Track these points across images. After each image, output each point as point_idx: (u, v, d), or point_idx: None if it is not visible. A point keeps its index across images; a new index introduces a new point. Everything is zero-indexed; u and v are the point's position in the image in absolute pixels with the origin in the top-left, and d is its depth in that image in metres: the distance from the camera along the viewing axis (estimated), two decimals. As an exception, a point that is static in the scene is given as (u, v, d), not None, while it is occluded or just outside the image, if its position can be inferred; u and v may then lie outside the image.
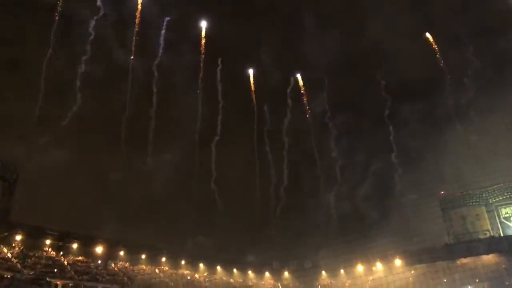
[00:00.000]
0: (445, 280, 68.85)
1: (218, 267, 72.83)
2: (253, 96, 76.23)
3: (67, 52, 64.58)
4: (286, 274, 75.77)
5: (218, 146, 76.08)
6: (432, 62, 73.13)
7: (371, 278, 72.18)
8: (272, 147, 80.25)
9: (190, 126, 73.93)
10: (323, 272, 74.92)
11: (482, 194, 70.57)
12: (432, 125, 74.43)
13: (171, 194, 71.43)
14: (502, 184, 69.27)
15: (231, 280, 72.89)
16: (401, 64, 70.28)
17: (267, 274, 75.48)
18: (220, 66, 74.65)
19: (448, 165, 70.31)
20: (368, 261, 73.11)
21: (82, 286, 50.99)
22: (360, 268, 73.47)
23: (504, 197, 70.05)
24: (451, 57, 70.74)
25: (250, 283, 73.77)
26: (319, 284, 74.10)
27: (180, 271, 69.41)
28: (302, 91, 78.62)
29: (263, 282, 74.35)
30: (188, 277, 69.46)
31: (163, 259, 67.95)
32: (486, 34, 70.05)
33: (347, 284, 72.34)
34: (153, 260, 66.51)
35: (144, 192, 68.07)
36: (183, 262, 70.03)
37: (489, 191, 70.27)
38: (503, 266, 65.76)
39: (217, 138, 75.39)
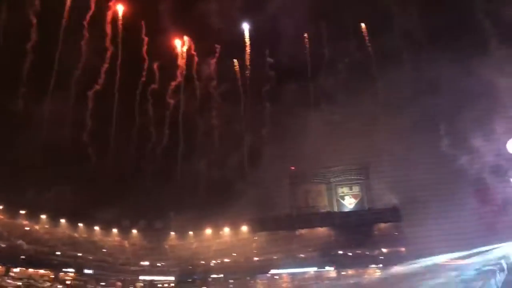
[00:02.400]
0: (283, 248, 76.50)
1: (62, 220, 74.86)
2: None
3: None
4: (134, 232, 79.67)
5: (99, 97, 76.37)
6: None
7: (217, 241, 79.50)
8: (156, 108, 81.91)
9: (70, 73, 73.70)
10: (172, 233, 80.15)
11: (325, 174, 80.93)
12: (302, 106, 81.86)
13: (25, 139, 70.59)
14: (342, 167, 79.38)
15: (75, 235, 75.92)
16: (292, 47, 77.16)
17: (114, 231, 78.75)
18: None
19: (304, 144, 79.17)
20: (217, 226, 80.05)
21: None
22: (208, 231, 79.84)
23: (342, 178, 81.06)
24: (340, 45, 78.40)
25: (95, 238, 77.30)
26: (166, 245, 79.60)
27: (19, 221, 70.46)
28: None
29: (109, 239, 78.50)
30: (27, 228, 71.31)
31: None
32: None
33: (193, 246, 79.05)
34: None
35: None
36: (21, 212, 70.47)
37: (331, 171, 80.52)
38: (333, 238, 77.48)
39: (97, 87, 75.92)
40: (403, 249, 72.01)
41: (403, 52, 76.21)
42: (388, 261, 71.84)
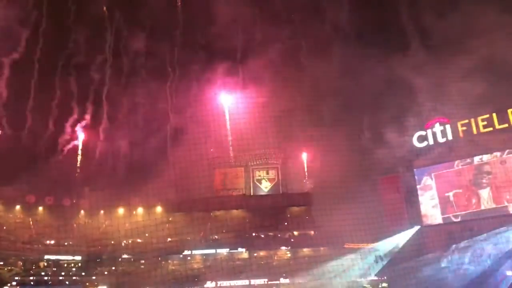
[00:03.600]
0: (198, 229, 77.57)
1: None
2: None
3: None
4: (40, 209, 76.81)
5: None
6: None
7: (130, 221, 78.71)
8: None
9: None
10: (82, 212, 78.26)
11: (243, 157, 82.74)
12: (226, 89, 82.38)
13: None
14: (261, 151, 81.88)
15: (-29, 211, 71.59)
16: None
17: (17, 208, 75.39)
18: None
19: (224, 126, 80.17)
20: (131, 206, 79.23)
21: None
22: (121, 211, 78.83)
23: (260, 162, 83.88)
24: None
25: (-6, 216, 73.45)
26: (75, 223, 77.57)
27: None
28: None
29: (11, 216, 75.12)
30: None
31: None
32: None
33: (104, 225, 77.70)
34: None
35: None
36: None
37: (251, 155, 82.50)
38: (247, 220, 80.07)
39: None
40: (312, 232, 75.68)
41: (330, 44, 78.38)
42: (298, 244, 74.38)
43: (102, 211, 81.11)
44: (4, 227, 75.47)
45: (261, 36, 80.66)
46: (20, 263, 71.41)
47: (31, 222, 78.31)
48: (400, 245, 68.29)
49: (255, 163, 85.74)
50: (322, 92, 76.77)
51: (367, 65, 71.96)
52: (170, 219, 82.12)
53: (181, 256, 76.26)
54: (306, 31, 79.91)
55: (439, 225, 70.14)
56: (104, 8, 76.80)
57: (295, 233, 78.33)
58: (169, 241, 77.86)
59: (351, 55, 75.38)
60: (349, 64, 75.69)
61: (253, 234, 78.31)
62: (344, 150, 74.02)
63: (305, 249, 76.18)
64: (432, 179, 72.23)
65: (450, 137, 71.06)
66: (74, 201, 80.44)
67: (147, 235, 78.18)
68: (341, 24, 77.37)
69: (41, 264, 73.30)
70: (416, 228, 69.33)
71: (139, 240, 78.27)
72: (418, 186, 73.08)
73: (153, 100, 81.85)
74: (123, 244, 77.15)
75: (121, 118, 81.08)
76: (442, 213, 70.12)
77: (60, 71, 77.75)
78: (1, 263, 69.35)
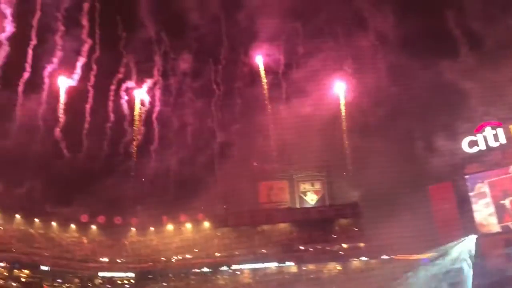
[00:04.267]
0: (245, 243, 78.86)
1: (17, 216, 74.64)
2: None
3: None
4: (93, 228, 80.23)
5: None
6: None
7: (178, 237, 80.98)
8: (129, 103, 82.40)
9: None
10: (133, 229, 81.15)
11: (288, 170, 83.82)
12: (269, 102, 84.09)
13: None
14: (305, 163, 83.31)
15: (31, 231, 75.82)
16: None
17: (73, 227, 79.05)
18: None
19: (268, 140, 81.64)
20: (179, 222, 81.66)
21: None
22: (169, 227, 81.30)
23: (305, 174, 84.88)
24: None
25: (52, 235, 77.43)
26: (126, 241, 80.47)
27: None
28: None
29: (67, 235, 78.77)
30: (-24, 224, 70.88)
31: None
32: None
33: (154, 242, 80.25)
34: None
35: None
36: (-26, 207, 69.89)
37: (294, 168, 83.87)
38: (295, 234, 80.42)
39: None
40: (362, 244, 74.86)
41: (373, 53, 78.29)
42: (348, 256, 73.80)
43: (152, 228, 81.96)
44: (61, 246, 77.06)
45: (303, 49, 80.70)
46: (77, 280, 74.22)
47: (85, 241, 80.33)
48: (457, 254, 65.76)
49: (299, 175, 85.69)
50: (368, 100, 75.85)
51: (415, 71, 70.77)
52: (217, 233, 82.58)
53: (230, 270, 76.09)
54: (354, 39, 78.99)
55: (497, 233, 66.97)
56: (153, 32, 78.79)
57: (344, 245, 77.24)
58: (218, 256, 77.87)
59: (399, 61, 74.32)
60: (397, 70, 74.77)
61: (301, 248, 77.84)
62: (392, 159, 72.68)
63: (355, 262, 74.65)
64: (485, 185, 69.77)
65: (503, 141, 68.35)
66: (124, 220, 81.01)
67: (196, 250, 79.06)
68: (390, 30, 76.22)
69: (96, 281, 75.87)
70: (473, 237, 66.30)
71: (188, 256, 78.90)
72: (471, 194, 71.29)
73: (199, 118, 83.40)
74: (173, 260, 78.22)
75: (170, 137, 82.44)
76: (499, 222, 67.36)
77: (113, 94, 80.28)
78: (60, 280, 71.71)
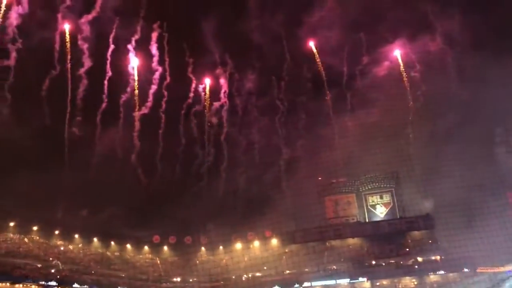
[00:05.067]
0: (314, 260, 78.67)
1: (95, 239, 79.36)
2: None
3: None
4: (165, 248, 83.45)
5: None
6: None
7: (247, 255, 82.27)
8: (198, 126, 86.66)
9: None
10: (202, 248, 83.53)
11: (354, 183, 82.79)
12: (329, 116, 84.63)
13: (48, 160, 75.52)
14: (371, 175, 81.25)
15: (107, 253, 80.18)
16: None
17: (146, 248, 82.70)
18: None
19: (331, 154, 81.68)
20: (247, 240, 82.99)
21: None
22: (238, 245, 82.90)
23: (372, 186, 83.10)
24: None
25: (127, 256, 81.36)
26: (197, 260, 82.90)
27: (53, 242, 75.28)
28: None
29: (141, 256, 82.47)
30: (61, 248, 76.05)
31: (35, 228, 73.15)
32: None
33: (224, 261, 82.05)
34: (23, 228, 71.52)
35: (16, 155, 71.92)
36: (56, 232, 75.30)
37: (361, 180, 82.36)
38: (365, 248, 79.23)
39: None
40: (438, 257, 71.95)
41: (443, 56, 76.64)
42: (424, 271, 71.12)
43: (221, 247, 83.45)
44: (136, 267, 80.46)
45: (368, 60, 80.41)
46: (153, 300, 76.10)
47: (158, 261, 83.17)
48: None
49: (366, 188, 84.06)
50: (438, 105, 73.77)
51: (491, 72, 68.01)
52: (286, 250, 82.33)
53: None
54: (421, 42, 77.71)
55: None
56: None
57: (419, 259, 74.43)
58: (288, 273, 77.88)
59: (473, 62, 71.96)
60: (471, 73, 72.42)
61: (373, 262, 75.83)
62: (467, 165, 69.77)
63: (432, 276, 71.62)
64: None
65: None
66: (194, 239, 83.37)
67: (265, 268, 79.13)
68: (459, 32, 74.37)
69: (171, 301, 77.63)
70: None
71: (258, 274, 79.33)
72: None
73: (265, 136, 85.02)
74: (243, 278, 78.72)
75: (237, 156, 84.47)
76: None
77: (183, 119, 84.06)
78: (137, 301, 74.25)
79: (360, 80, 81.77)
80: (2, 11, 67.22)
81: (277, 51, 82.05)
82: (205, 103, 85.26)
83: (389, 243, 77.24)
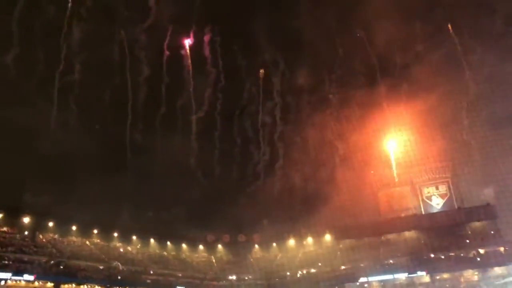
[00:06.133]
0: (370, 254, 78.23)
1: (152, 240, 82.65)
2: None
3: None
4: (219, 247, 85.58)
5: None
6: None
7: (301, 251, 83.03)
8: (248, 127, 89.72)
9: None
10: (256, 246, 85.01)
11: (407, 175, 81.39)
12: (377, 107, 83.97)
13: (106, 166, 79.51)
14: (426, 166, 79.67)
15: (164, 253, 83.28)
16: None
17: (201, 247, 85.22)
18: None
19: (382, 146, 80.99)
20: (300, 236, 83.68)
21: (6, 257, 58.41)
22: (291, 242, 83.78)
23: (427, 177, 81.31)
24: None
25: (183, 256, 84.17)
26: (251, 257, 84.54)
27: (112, 244, 79.08)
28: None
29: (196, 255, 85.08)
30: (121, 250, 79.74)
31: (95, 231, 77.14)
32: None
33: (278, 257, 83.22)
34: (84, 232, 75.74)
35: (76, 163, 76.18)
36: (115, 234, 79.01)
37: (414, 172, 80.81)
38: (422, 241, 77.85)
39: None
40: (502, 248, 69.35)
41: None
42: (487, 263, 68.82)
43: (274, 244, 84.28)
44: (192, 267, 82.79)
45: (421, 47, 78.79)
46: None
47: (213, 260, 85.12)
48: None
49: (421, 179, 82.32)
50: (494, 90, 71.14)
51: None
52: (340, 246, 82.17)
53: (357, 283, 75.36)
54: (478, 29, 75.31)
55: None
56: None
57: (481, 251, 71.67)
58: (343, 268, 77.41)
59: None
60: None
61: (432, 256, 74.12)
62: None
63: (496, 268, 68.97)
64: None
65: None
66: (248, 237, 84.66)
67: (320, 264, 79.09)
68: None
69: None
70: None
71: (313, 270, 79.41)
72: None
73: (317, 132, 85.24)
74: (298, 275, 79.10)
75: (289, 154, 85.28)
76: None
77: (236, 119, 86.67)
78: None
79: (413, 68, 78.19)
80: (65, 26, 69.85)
81: (327, 45, 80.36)
82: (258, 102, 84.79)
83: (447, 235, 75.10)
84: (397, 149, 77.85)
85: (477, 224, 75.32)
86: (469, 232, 75.00)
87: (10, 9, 67.07)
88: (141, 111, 78.80)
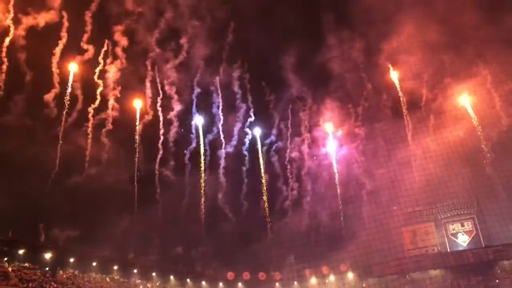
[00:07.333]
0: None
1: (171, 277, 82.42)
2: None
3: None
4: (240, 285, 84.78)
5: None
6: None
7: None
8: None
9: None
10: (277, 284, 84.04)
11: (432, 211, 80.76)
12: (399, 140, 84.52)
13: (128, 202, 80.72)
14: (450, 202, 78.96)
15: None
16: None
17: (220, 285, 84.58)
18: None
19: (405, 181, 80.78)
20: (322, 273, 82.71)
21: (28, 293, 58.61)
22: (313, 280, 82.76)
23: (452, 213, 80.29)
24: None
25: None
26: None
27: (132, 280, 79.09)
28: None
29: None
30: (141, 287, 79.61)
31: (115, 268, 77.40)
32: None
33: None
34: (104, 268, 75.98)
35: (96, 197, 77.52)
36: (135, 271, 79.13)
37: (438, 207, 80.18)
38: (449, 280, 76.26)
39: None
40: (536, 289, 67.62)
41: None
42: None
43: (295, 282, 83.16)
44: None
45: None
46: None
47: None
48: None
49: (445, 215, 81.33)
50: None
51: None
52: (363, 285, 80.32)
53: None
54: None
55: None
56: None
57: (513, 291, 69.58)
58: (366, 307, 75.85)
59: None
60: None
61: (460, 296, 71.76)
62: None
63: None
64: None
65: None
66: (268, 275, 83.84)
67: (342, 303, 77.43)
68: None
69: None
70: None
71: (337, 311, 77.72)
72: None
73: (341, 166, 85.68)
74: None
75: (312, 189, 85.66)
76: None
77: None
78: None
79: (439, 103, 79.01)
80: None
81: (354, 80, 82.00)
82: (285, 139, 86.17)
83: (475, 274, 73.07)
84: (421, 186, 76.41)
85: (506, 263, 73.10)
86: (499, 271, 72.72)
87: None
88: (169, 148, 79.06)
